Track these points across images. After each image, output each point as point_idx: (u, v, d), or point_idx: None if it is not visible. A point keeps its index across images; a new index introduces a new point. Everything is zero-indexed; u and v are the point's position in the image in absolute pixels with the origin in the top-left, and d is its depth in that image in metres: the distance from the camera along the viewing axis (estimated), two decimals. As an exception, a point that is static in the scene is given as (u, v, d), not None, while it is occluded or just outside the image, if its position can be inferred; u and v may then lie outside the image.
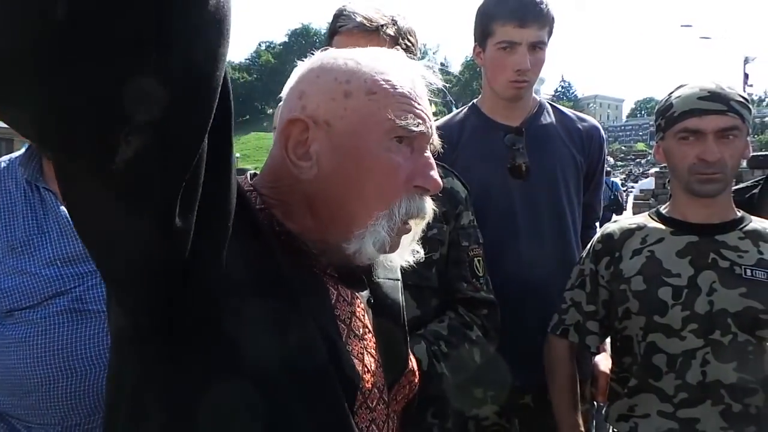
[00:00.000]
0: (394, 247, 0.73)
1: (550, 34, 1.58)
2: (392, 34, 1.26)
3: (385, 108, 0.69)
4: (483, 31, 1.59)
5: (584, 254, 1.40)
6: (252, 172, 0.80)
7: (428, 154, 0.73)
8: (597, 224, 1.82)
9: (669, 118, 1.26)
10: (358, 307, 0.74)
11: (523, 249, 1.56)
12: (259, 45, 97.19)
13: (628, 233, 1.32)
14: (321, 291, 0.70)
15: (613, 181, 8.71)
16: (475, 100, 1.78)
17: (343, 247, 0.70)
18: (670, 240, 1.27)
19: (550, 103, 1.76)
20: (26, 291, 1.19)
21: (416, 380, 0.83)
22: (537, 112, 1.68)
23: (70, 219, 1.22)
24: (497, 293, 1.37)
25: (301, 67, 0.75)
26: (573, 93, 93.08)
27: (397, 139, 0.70)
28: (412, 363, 0.82)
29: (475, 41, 1.66)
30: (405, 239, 0.74)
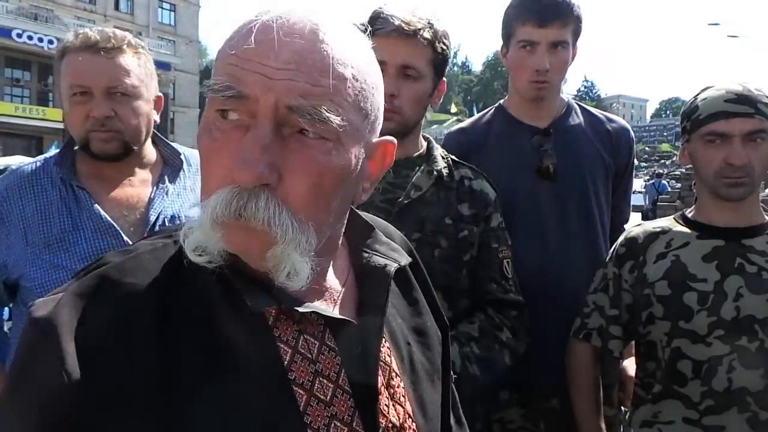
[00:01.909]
0: (230, 249, 0.55)
1: (576, 33, 1.57)
2: (429, 37, 1.27)
3: (214, 73, 0.56)
4: (506, 31, 1.60)
5: (607, 257, 1.39)
6: None
7: (254, 129, 0.53)
8: (625, 226, 1.81)
9: (695, 121, 1.24)
10: (330, 362, 0.59)
11: (550, 251, 1.55)
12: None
13: (652, 237, 1.31)
14: (269, 356, 0.56)
15: (661, 183, 8.58)
16: (501, 101, 1.78)
17: None
18: (696, 244, 1.25)
19: (578, 104, 1.75)
20: (61, 286, 1.23)
21: None
22: (565, 113, 1.67)
23: (103, 217, 1.27)
24: (525, 296, 1.37)
25: None
26: (596, 93, 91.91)
27: (220, 113, 0.54)
28: (401, 415, 0.64)
29: (502, 42, 1.66)
30: (245, 244, 0.55)
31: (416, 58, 1.26)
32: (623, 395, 1.54)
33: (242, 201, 0.52)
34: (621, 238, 1.37)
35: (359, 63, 0.58)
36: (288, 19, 0.54)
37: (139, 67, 1.33)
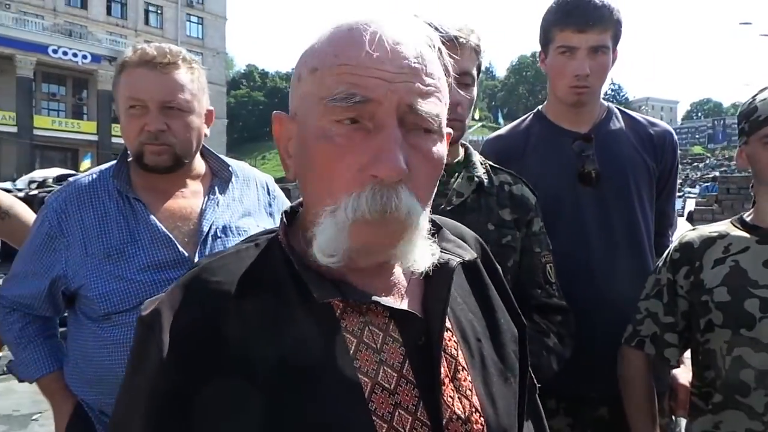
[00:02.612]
0: (360, 247, 0.59)
1: (616, 37, 1.55)
2: (477, 44, 1.29)
3: (321, 85, 0.58)
4: (545, 38, 1.59)
5: (660, 263, 1.36)
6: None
7: (388, 130, 0.57)
8: (670, 231, 1.77)
9: (754, 122, 1.21)
10: (394, 352, 0.62)
11: (595, 258, 1.53)
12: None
13: (708, 242, 1.28)
14: (336, 345, 0.60)
15: (715, 186, 8.40)
16: (540, 107, 1.77)
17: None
18: (756, 249, 1.22)
19: (619, 108, 1.73)
20: (122, 296, 1.26)
21: (481, 428, 0.65)
22: (605, 117, 1.66)
23: (159, 228, 1.31)
24: (570, 303, 1.36)
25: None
26: (623, 96, 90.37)
27: (347, 120, 0.57)
28: (467, 408, 0.64)
29: (540, 48, 1.65)
30: (386, 238, 0.59)
31: (470, 66, 1.28)
32: (674, 404, 1.51)
33: (385, 196, 0.57)
34: (675, 243, 1.34)
35: (439, 63, 0.64)
36: (389, 27, 0.59)
37: (192, 83, 1.36)
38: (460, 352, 0.67)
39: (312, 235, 0.60)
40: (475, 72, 1.30)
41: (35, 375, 1.39)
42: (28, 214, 1.62)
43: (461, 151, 1.39)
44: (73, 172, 13.23)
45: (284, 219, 0.69)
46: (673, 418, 1.57)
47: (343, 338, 0.60)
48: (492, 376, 0.70)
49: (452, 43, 1.23)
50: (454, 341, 0.67)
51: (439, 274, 0.66)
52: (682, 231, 1.41)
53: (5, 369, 4.67)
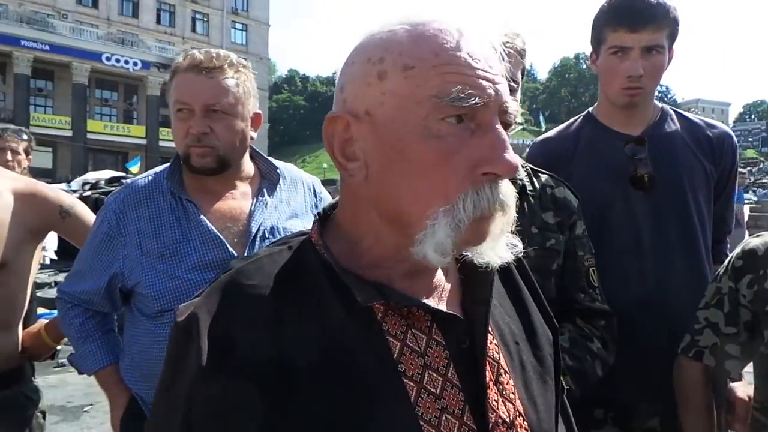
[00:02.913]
0: (466, 244, 0.59)
1: (672, 36, 1.49)
2: (522, 48, 1.28)
3: (425, 84, 0.56)
4: (596, 38, 1.55)
5: (721, 271, 1.30)
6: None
7: (497, 129, 0.57)
8: (728, 238, 1.70)
9: None
10: (438, 356, 0.61)
11: (649, 265, 1.48)
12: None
13: None
14: (378, 348, 0.59)
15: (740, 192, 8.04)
16: (590, 109, 1.72)
17: (411, 252, 0.59)
18: (826, 258, 1.15)
19: (674, 110, 1.66)
20: (174, 294, 1.30)
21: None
22: (660, 119, 1.60)
23: (209, 229, 1.34)
24: (621, 312, 1.32)
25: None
26: (671, 98, 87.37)
27: (453, 118, 0.56)
28: (511, 412, 0.64)
29: (591, 49, 1.61)
30: (494, 231, 0.60)
31: (515, 70, 1.26)
32: (731, 418, 1.44)
33: (500, 192, 0.58)
34: (737, 250, 1.28)
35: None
36: (472, 27, 0.60)
37: (237, 86, 1.38)
38: (501, 355, 0.67)
39: (420, 236, 0.58)
40: (519, 76, 1.29)
41: (93, 368, 1.45)
42: (88, 214, 1.69)
43: None
44: (123, 174, 13.75)
45: (318, 221, 0.68)
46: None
47: (387, 342, 0.59)
48: (531, 379, 0.69)
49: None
50: (495, 344, 0.66)
51: (480, 276, 0.65)
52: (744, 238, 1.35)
53: (59, 362, 4.89)
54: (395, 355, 0.59)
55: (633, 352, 1.36)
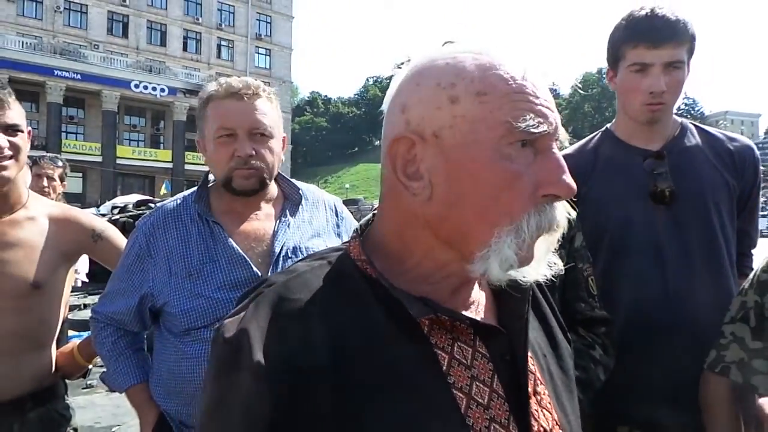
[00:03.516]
0: (525, 261, 0.63)
1: (690, 51, 1.50)
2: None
3: (498, 110, 0.59)
4: (615, 55, 1.55)
5: (746, 284, 1.29)
6: (371, 213, 0.75)
7: (556, 153, 0.62)
8: (753, 252, 1.67)
9: None
10: (483, 368, 0.64)
11: (671, 280, 1.47)
12: (367, 80, 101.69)
13: None
14: (428, 361, 0.61)
15: None
16: (608, 125, 1.72)
17: (467, 269, 0.62)
18: None
19: (694, 124, 1.66)
20: (201, 312, 1.34)
21: None
22: (679, 134, 1.59)
23: (235, 249, 1.38)
24: (645, 327, 1.31)
25: (399, 77, 0.66)
26: (699, 110, 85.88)
27: (518, 143, 0.60)
28: (550, 421, 0.67)
29: (608, 66, 1.62)
30: (539, 251, 0.64)
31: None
32: None
33: (556, 211, 0.63)
34: (763, 263, 1.27)
35: None
36: (534, 63, 0.63)
37: (271, 111, 1.46)
38: (536, 367, 0.69)
39: (486, 254, 0.61)
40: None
41: (124, 385, 1.49)
42: (119, 238, 1.76)
43: None
44: (150, 197, 14.05)
45: (359, 236, 0.70)
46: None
47: (435, 355, 0.61)
48: (561, 390, 0.72)
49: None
50: (530, 356, 0.69)
51: (516, 291, 0.68)
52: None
53: (88, 383, 4.99)
54: (444, 367, 0.61)
55: (658, 368, 1.35)
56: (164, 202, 1.55)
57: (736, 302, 1.30)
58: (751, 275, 1.29)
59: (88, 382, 5.08)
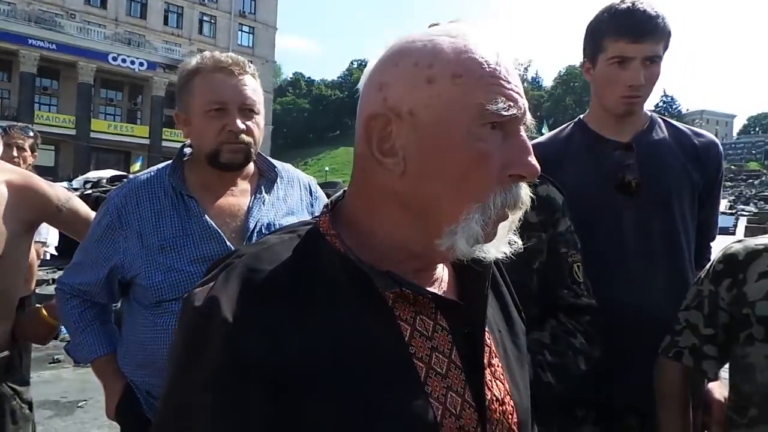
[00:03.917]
0: (489, 238, 0.66)
1: (666, 47, 1.53)
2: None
3: (472, 92, 0.62)
4: (594, 47, 1.57)
5: (703, 274, 1.34)
6: (340, 193, 0.76)
7: (523, 136, 0.66)
8: (712, 244, 1.74)
9: None
10: (443, 340, 0.67)
11: (633, 268, 1.52)
12: (351, 63, 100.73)
13: (754, 254, 1.25)
14: (391, 332, 0.64)
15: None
16: (581, 116, 1.76)
17: (435, 244, 0.65)
18: (802, 263, 1.19)
19: (662, 118, 1.70)
20: (173, 285, 1.35)
21: (512, 410, 0.72)
22: (648, 127, 1.63)
23: (209, 224, 1.39)
24: (603, 313, 1.34)
25: (377, 56, 0.68)
26: (676, 108, 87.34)
27: (489, 125, 0.63)
28: (501, 391, 0.72)
29: (584, 57, 1.65)
30: (501, 229, 0.67)
31: None
32: (708, 419, 1.47)
33: (520, 191, 0.66)
34: (719, 255, 1.32)
35: None
36: (507, 49, 0.66)
37: (258, 87, 1.48)
38: (491, 340, 0.73)
39: (453, 230, 0.64)
40: None
41: (90, 357, 1.49)
42: (84, 208, 1.73)
43: None
44: (125, 173, 13.78)
45: (329, 211, 0.71)
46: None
47: (398, 326, 0.64)
48: (513, 364, 0.76)
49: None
50: (487, 331, 0.73)
51: (477, 268, 0.72)
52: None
53: (54, 358, 4.93)
54: (406, 338, 0.64)
55: (614, 353, 1.40)
56: (137, 174, 1.54)
57: (692, 291, 1.35)
58: (708, 265, 1.34)
59: (55, 357, 5.03)
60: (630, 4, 1.49)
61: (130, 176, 1.57)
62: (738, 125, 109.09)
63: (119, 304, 1.56)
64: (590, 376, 1.45)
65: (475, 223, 0.63)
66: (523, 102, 0.65)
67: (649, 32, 1.47)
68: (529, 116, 0.67)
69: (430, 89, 0.63)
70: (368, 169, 0.67)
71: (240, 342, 0.58)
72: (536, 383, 1.14)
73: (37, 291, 4.55)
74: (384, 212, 0.67)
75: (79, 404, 4.06)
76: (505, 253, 0.70)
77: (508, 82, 0.64)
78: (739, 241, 1.33)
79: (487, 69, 0.63)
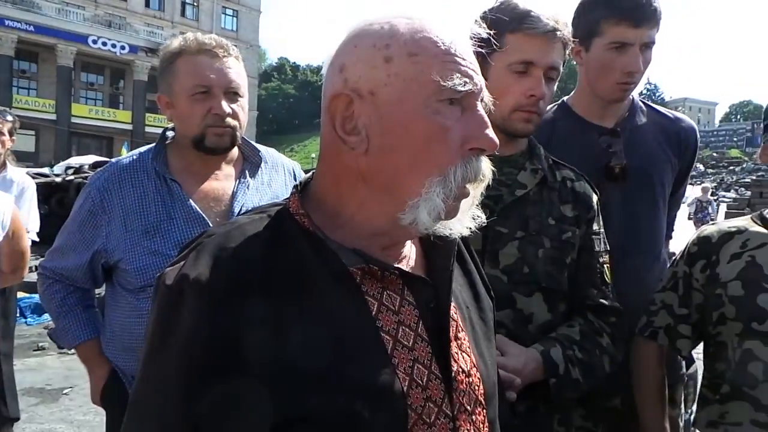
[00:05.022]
0: (451, 213, 0.68)
1: (657, 32, 1.51)
2: (568, 38, 1.24)
3: (429, 69, 0.65)
4: (589, 30, 1.51)
5: (678, 256, 1.38)
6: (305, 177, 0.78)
7: (480, 111, 0.68)
8: (672, 226, 1.77)
9: None
10: (410, 314, 0.69)
11: (618, 254, 1.53)
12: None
13: (726, 236, 1.29)
14: (358, 306, 0.66)
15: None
16: (565, 98, 1.72)
17: (399, 218, 0.67)
18: (773, 245, 1.23)
19: (643, 102, 1.70)
20: (157, 270, 1.32)
21: (478, 382, 0.75)
22: (631, 111, 1.63)
23: (193, 208, 1.38)
24: None
25: (338, 39, 0.70)
26: (660, 96, 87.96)
27: (447, 101, 0.65)
28: (468, 363, 0.74)
29: (574, 38, 1.63)
30: (464, 204, 0.70)
31: (558, 60, 1.24)
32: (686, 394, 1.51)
33: (480, 164, 0.69)
34: (693, 237, 1.36)
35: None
36: (462, 28, 0.70)
37: (242, 70, 1.46)
38: (457, 315, 0.76)
39: (416, 203, 0.66)
40: (561, 67, 1.25)
41: (74, 342, 1.49)
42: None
43: (525, 142, 1.33)
44: (107, 159, 13.53)
45: (298, 191, 0.73)
46: (683, 408, 1.58)
47: (366, 301, 0.67)
48: (480, 338, 0.80)
49: (549, 35, 1.19)
50: (453, 306, 0.75)
51: (443, 245, 0.75)
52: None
53: (39, 345, 4.90)
54: (373, 312, 0.67)
55: None
56: (119, 158, 1.53)
57: (667, 272, 1.39)
58: (683, 247, 1.38)
59: (40, 344, 5.00)
60: None
61: (112, 160, 1.56)
62: (720, 113, 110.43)
63: (102, 291, 1.56)
64: None
65: (437, 196, 0.65)
66: (479, 78, 0.68)
67: (648, 17, 1.44)
68: (486, 93, 0.70)
69: (388, 68, 0.65)
70: (334, 149, 0.69)
71: (210, 317, 0.60)
72: (566, 377, 1.15)
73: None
74: (350, 190, 0.69)
75: (65, 391, 4.04)
76: (469, 228, 0.72)
77: (463, 59, 0.67)
78: (713, 224, 1.36)
79: (443, 47, 0.66)
